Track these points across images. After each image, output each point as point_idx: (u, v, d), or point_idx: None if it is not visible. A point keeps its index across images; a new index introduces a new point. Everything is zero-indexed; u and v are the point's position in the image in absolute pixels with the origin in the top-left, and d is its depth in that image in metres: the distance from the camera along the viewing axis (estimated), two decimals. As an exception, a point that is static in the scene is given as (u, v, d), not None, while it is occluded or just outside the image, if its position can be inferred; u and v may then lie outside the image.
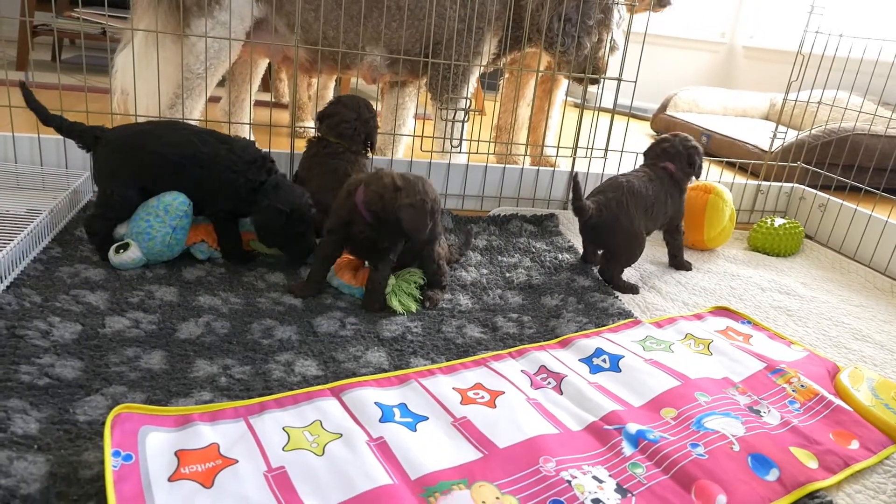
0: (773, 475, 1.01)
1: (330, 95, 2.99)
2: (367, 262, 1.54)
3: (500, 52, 2.32)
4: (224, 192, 1.51)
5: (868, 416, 1.21)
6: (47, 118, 1.44)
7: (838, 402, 1.24)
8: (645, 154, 1.90)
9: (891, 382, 1.34)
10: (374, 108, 1.84)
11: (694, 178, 1.88)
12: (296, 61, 2.08)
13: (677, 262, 1.92)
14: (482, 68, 2.33)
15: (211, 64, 2.08)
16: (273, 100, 3.25)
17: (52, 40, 3.69)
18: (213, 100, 2.69)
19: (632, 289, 1.70)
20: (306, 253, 1.60)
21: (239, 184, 1.51)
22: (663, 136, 1.90)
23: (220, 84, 2.31)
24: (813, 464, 1.06)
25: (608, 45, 2.32)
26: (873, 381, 1.33)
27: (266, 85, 3.54)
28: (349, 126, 1.77)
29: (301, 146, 1.87)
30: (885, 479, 1.07)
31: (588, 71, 2.30)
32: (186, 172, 1.48)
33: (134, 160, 1.46)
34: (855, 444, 1.13)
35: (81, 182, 1.79)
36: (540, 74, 2.51)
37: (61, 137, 1.86)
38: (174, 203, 1.46)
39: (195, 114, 2.14)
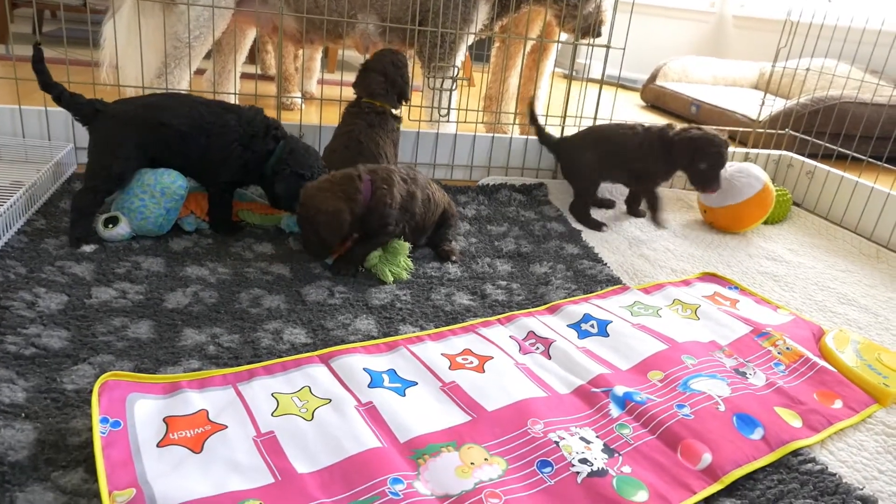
0: (757, 434, 1.03)
1: (317, 67, 2.96)
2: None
3: (492, 18, 2.29)
4: (230, 164, 1.49)
5: (852, 377, 1.23)
6: (48, 84, 1.39)
7: (822, 363, 1.26)
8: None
9: (875, 344, 1.35)
10: (404, 59, 1.86)
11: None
12: (280, 29, 2.05)
13: (633, 210, 2.05)
14: (473, 36, 2.30)
15: (200, 33, 2.04)
16: (259, 71, 3.21)
17: (32, 12, 3.62)
18: (199, 72, 2.65)
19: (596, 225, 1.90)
20: None
21: (247, 157, 1.50)
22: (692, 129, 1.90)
23: (206, 56, 2.27)
24: (797, 423, 1.08)
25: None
26: (858, 344, 1.34)
27: (252, 57, 3.49)
28: (378, 87, 1.80)
29: (287, 117, 1.85)
30: (867, 436, 1.09)
31: (588, 27, 2.28)
32: (192, 142, 1.46)
33: (143, 133, 1.43)
34: (838, 404, 1.15)
35: (64, 154, 1.77)
36: (530, 43, 2.48)
37: (43, 109, 1.84)
38: (172, 186, 1.44)
39: (183, 84, 2.11)
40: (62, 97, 1.40)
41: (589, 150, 1.96)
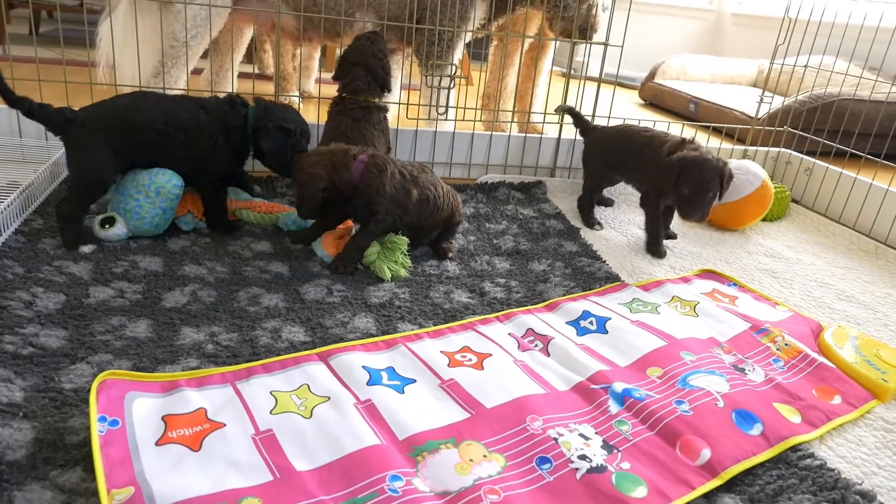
0: (756, 430, 1.02)
1: (315, 66, 2.95)
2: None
3: (489, 18, 2.30)
4: (220, 158, 1.48)
5: (851, 373, 1.23)
6: (14, 101, 1.34)
7: (821, 359, 1.26)
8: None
9: (873, 340, 1.35)
10: (382, 45, 1.85)
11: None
12: (277, 28, 2.05)
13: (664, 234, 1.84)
14: (471, 34, 2.30)
15: (198, 32, 2.04)
16: (257, 71, 3.21)
17: (28, 13, 3.61)
18: (196, 71, 2.65)
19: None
20: None
21: (232, 141, 1.49)
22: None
23: (204, 56, 2.27)
24: (796, 419, 1.08)
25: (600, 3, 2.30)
26: (856, 340, 1.34)
27: (250, 56, 3.49)
28: (361, 82, 1.80)
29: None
30: (866, 432, 1.09)
31: (581, 30, 2.28)
32: (171, 141, 1.45)
33: (117, 137, 1.40)
34: (837, 399, 1.15)
35: (62, 154, 1.76)
36: (528, 41, 2.48)
37: (40, 108, 1.84)
38: (167, 186, 1.43)
39: (180, 83, 2.10)
40: (31, 110, 1.35)
41: (609, 145, 1.91)
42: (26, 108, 1.35)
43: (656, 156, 1.73)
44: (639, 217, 2.02)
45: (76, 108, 1.42)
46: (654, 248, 1.75)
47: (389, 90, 1.87)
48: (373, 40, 1.83)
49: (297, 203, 1.44)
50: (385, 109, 1.85)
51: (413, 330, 1.24)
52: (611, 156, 1.90)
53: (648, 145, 1.79)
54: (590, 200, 1.94)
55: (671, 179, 1.65)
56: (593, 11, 2.29)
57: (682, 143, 1.73)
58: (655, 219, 1.76)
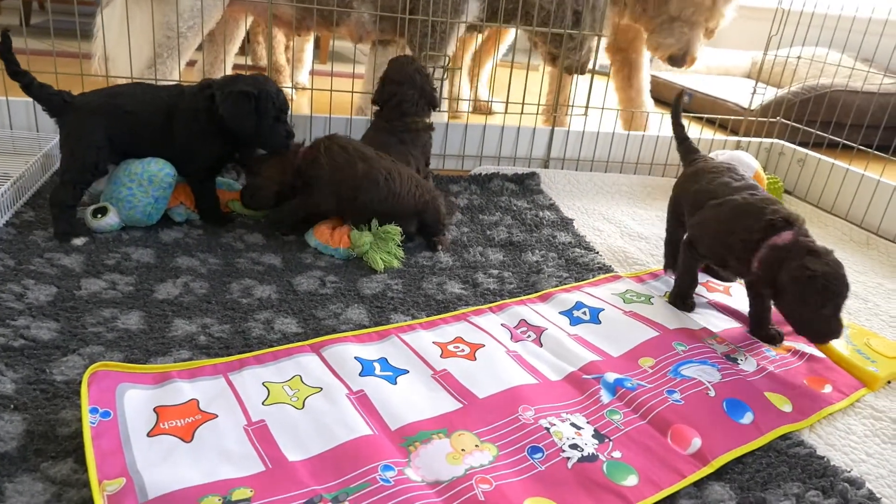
0: (747, 419, 1.03)
1: (307, 58, 2.94)
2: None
3: (481, 19, 2.29)
4: (195, 144, 1.46)
5: (842, 362, 1.24)
6: (16, 72, 1.35)
7: (812, 349, 1.26)
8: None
9: (864, 329, 1.36)
10: (420, 64, 1.81)
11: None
12: (269, 18, 2.04)
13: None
14: (464, 26, 2.29)
15: (195, 23, 2.02)
16: (250, 63, 3.19)
17: (19, 4, 3.59)
18: (190, 63, 2.63)
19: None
20: (285, 140, 1.51)
21: (201, 124, 1.44)
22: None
23: (198, 48, 2.26)
24: (787, 407, 1.08)
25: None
26: (847, 329, 1.35)
27: (243, 48, 3.47)
28: (410, 104, 1.74)
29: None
30: (855, 420, 1.09)
31: (581, 66, 2.32)
32: (162, 129, 1.44)
33: (110, 123, 1.40)
34: (828, 389, 1.16)
35: (53, 145, 1.75)
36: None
37: (31, 100, 1.82)
38: (160, 174, 1.43)
39: (174, 75, 2.09)
40: (31, 87, 1.36)
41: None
42: (26, 83, 1.36)
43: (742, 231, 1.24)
44: (633, 208, 2.02)
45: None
46: (681, 301, 1.38)
47: (437, 107, 1.82)
48: (411, 59, 1.79)
49: (248, 197, 1.54)
50: (431, 128, 1.80)
51: (406, 321, 1.24)
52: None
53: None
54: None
55: (802, 298, 1.15)
56: (590, 47, 2.32)
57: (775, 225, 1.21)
58: (690, 269, 1.38)
